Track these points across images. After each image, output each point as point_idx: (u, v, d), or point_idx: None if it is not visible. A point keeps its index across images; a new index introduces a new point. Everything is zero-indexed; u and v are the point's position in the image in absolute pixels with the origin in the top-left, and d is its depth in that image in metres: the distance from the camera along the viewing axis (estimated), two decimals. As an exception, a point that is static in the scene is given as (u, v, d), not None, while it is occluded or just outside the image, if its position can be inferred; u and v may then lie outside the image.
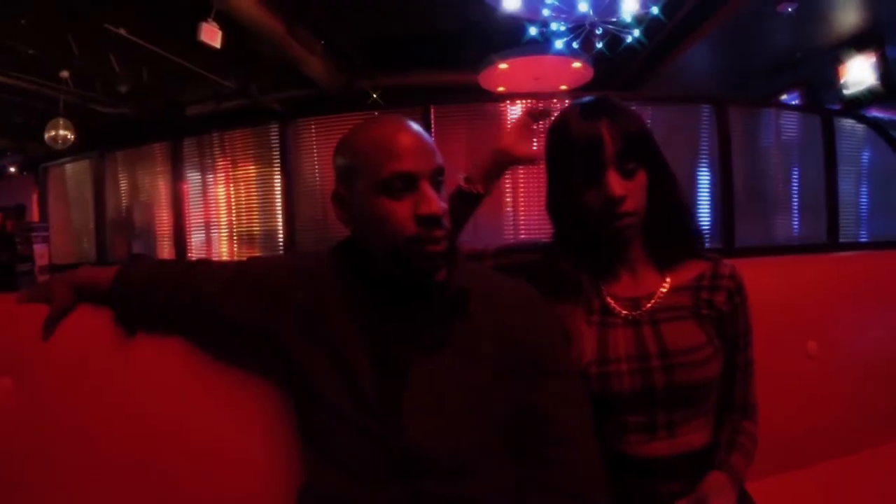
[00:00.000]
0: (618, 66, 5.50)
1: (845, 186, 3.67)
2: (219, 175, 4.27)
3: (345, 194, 0.96)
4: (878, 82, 6.02)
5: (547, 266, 1.14)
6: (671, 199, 1.10)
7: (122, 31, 5.50)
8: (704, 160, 3.52)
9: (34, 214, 6.38)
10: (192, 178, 4.38)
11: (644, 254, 1.13)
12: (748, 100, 5.20)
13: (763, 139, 3.81)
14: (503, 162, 1.27)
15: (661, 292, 1.10)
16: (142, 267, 1.11)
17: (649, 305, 1.09)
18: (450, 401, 0.92)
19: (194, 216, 4.34)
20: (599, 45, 4.22)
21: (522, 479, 0.94)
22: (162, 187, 4.36)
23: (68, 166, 5.03)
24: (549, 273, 1.12)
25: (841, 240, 3.55)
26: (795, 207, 3.77)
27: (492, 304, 0.98)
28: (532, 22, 4.01)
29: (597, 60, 5.07)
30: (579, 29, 3.98)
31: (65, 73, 6.71)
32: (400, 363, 0.93)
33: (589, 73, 5.35)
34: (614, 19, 3.93)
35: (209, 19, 4.85)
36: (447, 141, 3.45)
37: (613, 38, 4.23)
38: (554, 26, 4.00)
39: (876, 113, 8.92)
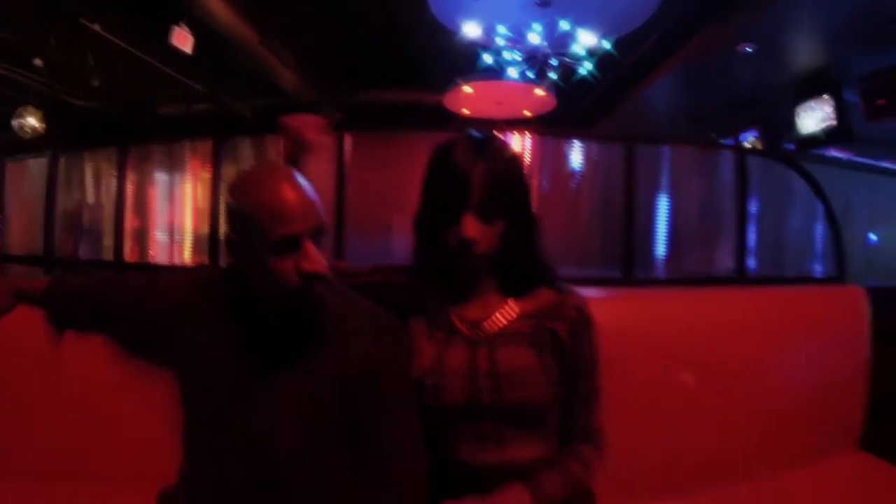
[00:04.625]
0: (577, 98, 5.66)
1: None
2: (182, 181, 4.34)
3: (236, 240, 1.09)
4: (834, 123, 6.23)
5: (405, 286, 1.26)
6: (527, 243, 1.21)
7: (97, 28, 5.55)
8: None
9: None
10: (146, 182, 4.45)
11: (495, 283, 1.23)
12: (663, 137, 5.37)
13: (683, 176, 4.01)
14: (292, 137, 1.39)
15: (504, 318, 1.21)
16: (70, 278, 1.34)
17: (490, 329, 1.21)
18: (294, 405, 1.09)
19: (155, 220, 4.40)
20: (553, 76, 4.37)
21: (354, 481, 1.08)
22: (117, 189, 4.42)
23: (29, 162, 5.07)
24: (406, 293, 1.24)
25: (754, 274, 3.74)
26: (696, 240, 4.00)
27: (345, 329, 1.13)
28: (487, 49, 4.16)
29: (557, 91, 5.21)
30: (533, 59, 4.13)
31: (38, 61, 6.72)
32: (258, 370, 1.11)
33: (552, 102, 5.49)
34: (567, 52, 4.08)
35: (181, 24, 4.92)
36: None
37: (568, 70, 4.38)
38: (508, 55, 4.14)
39: (836, 153, 9.26)
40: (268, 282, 1.05)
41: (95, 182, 4.59)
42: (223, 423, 1.10)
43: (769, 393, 1.75)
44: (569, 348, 1.20)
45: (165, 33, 4.90)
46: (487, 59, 4.28)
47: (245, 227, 1.04)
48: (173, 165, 4.28)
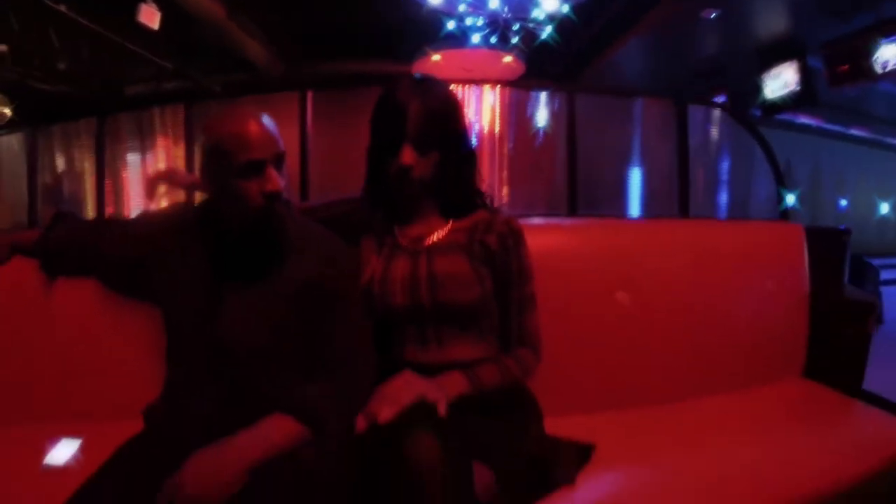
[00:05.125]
0: (544, 65, 5.74)
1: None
2: (156, 151, 4.40)
3: (208, 170, 1.24)
4: (798, 88, 6.33)
5: (356, 213, 1.43)
6: (462, 172, 1.36)
7: (62, 7, 5.49)
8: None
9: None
10: (128, 154, 4.50)
11: (435, 207, 1.38)
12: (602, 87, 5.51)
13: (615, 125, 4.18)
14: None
15: (441, 233, 1.37)
16: (59, 230, 1.48)
17: (429, 242, 1.36)
18: (256, 314, 1.25)
19: (132, 191, 4.47)
20: (515, 41, 4.43)
21: (308, 377, 1.23)
22: (92, 162, 4.48)
23: (3, 139, 5.14)
24: (357, 218, 1.42)
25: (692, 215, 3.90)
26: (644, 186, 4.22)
27: (302, 249, 1.28)
28: (450, 16, 4.21)
29: (530, 52, 5.29)
30: (495, 24, 4.19)
31: (3, 47, 6.64)
32: (226, 285, 1.26)
33: (520, 69, 5.55)
34: (528, 17, 4.14)
35: (148, 1, 4.90)
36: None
37: (531, 36, 4.45)
38: (470, 21, 4.20)
39: (806, 120, 9.40)
40: (235, 203, 1.20)
41: (70, 155, 4.66)
42: (196, 333, 1.25)
43: (712, 319, 1.86)
44: (499, 258, 1.34)
45: (132, 11, 4.87)
46: (451, 25, 4.33)
47: (216, 158, 1.19)
48: (145, 136, 4.35)
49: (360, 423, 1.08)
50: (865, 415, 1.68)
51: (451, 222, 1.37)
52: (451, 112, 1.32)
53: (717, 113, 4.98)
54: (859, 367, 1.82)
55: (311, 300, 1.24)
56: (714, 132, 4.95)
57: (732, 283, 1.90)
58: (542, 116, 4.17)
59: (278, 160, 1.21)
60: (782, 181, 3.23)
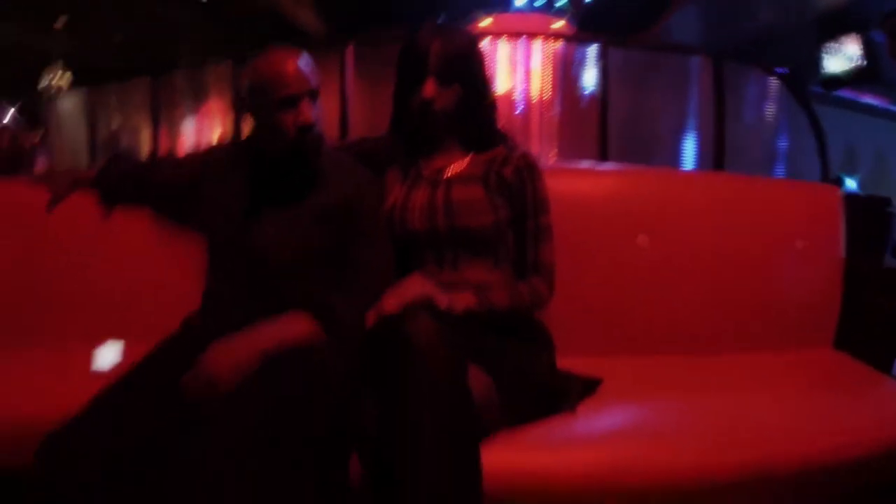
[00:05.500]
0: (600, 26, 5.61)
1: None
2: (208, 109, 4.52)
3: (250, 106, 1.41)
4: (861, 63, 6.07)
5: (384, 148, 1.56)
6: (481, 107, 1.47)
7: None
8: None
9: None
10: (182, 112, 4.66)
11: (456, 142, 1.49)
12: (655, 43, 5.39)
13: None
14: None
15: (461, 166, 1.47)
16: (116, 166, 1.69)
17: (448, 173, 1.46)
18: (288, 231, 1.39)
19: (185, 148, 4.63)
20: (563, 2, 4.36)
21: (333, 289, 1.35)
22: (147, 119, 4.67)
23: (63, 100, 5.41)
24: (384, 153, 1.55)
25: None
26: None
27: (331, 176, 1.43)
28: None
29: (580, 19, 5.21)
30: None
31: (59, 24, 6.84)
32: (263, 207, 1.41)
33: (571, 32, 5.46)
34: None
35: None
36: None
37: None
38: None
39: (868, 99, 9.01)
40: (272, 134, 1.36)
41: (126, 113, 4.87)
42: (234, 249, 1.42)
43: (739, 276, 1.78)
44: (515, 189, 1.42)
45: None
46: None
47: (256, 94, 1.35)
48: (197, 94, 4.50)
49: (370, 318, 1.15)
50: (894, 390, 1.56)
51: (471, 156, 1.47)
52: (470, 50, 1.45)
53: (774, 85, 4.83)
54: (893, 342, 1.72)
55: (338, 221, 1.38)
56: (771, 106, 4.82)
57: (763, 241, 1.82)
58: (591, 74, 4.13)
59: (311, 96, 1.35)
60: (826, 158, 3.14)
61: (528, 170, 1.44)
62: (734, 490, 1.19)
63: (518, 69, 4.46)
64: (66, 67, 6.98)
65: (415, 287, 1.24)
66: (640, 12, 5.81)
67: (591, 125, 4.18)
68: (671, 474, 1.19)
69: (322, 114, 1.40)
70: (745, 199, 1.88)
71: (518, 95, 4.50)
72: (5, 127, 3.98)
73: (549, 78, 4.52)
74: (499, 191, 1.41)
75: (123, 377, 1.23)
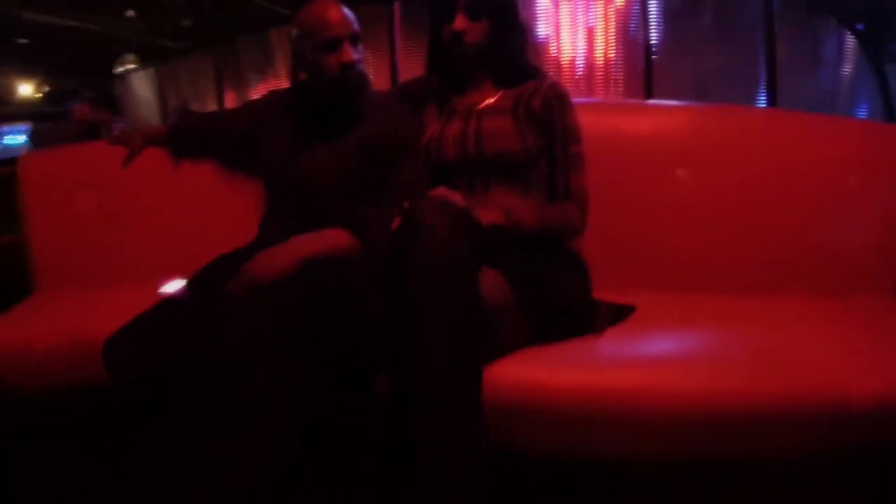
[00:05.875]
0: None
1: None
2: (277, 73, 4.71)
3: (299, 51, 1.54)
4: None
5: (423, 87, 1.64)
6: (511, 41, 1.52)
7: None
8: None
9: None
10: (248, 79, 4.87)
11: (487, 76, 1.54)
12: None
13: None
14: None
15: (492, 100, 1.52)
16: (185, 120, 1.98)
17: (480, 107, 1.51)
18: (332, 161, 1.53)
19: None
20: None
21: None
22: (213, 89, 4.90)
23: (138, 73, 5.75)
24: (423, 91, 1.63)
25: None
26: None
27: (373, 112, 1.56)
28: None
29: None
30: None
31: (130, 13, 7.13)
32: (310, 141, 1.56)
33: None
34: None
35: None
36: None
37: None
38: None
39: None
40: (318, 74, 1.51)
41: (194, 82, 5.12)
42: (284, 181, 1.57)
43: (793, 216, 1.65)
44: (543, 118, 1.46)
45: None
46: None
47: (303, 39, 1.50)
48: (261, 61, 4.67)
49: (395, 221, 1.14)
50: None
51: (502, 91, 1.52)
52: None
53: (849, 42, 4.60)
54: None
55: (377, 152, 1.50)
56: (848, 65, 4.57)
57: (818, 180, 1.67)
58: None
59: (353, 38, 1.48)
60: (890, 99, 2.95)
61: (557, 99, 1.47)
62: (768, 422, 1.08)
63: (579, 28, 4.39)
64: (137, 53, 7.29)
65: (437, 191, 1.28)
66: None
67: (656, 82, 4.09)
68: (705, 399, 1.08)
69: (368, 62, 1.56)
70: (804, 137, 1.74)
71: (580, 54, 4.44)
72: (85, 104, 4.30)
73: (613, 36, 4.43)
74: (528, 121, 1.45)
75: (188, 282, 1.39)
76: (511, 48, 1.52)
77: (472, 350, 1.04)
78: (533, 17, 4.34)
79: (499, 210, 1.32)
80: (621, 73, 4.38)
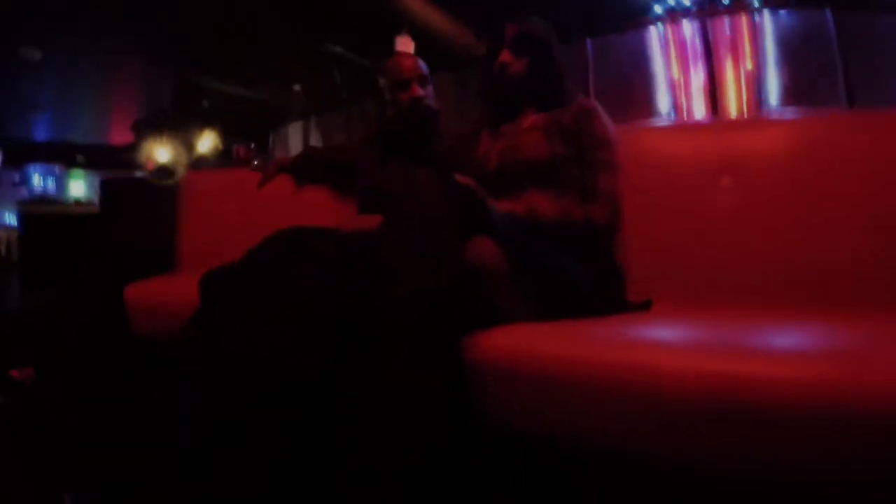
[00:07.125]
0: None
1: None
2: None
3: (382, 91, 2.07)
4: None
5: (476, 121, 1.94)
6: (548, 76, 1.75)
7: (339, 49, 6.66)
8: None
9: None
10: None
11: (529, 103, 1.76)
12: None
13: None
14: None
15: (530, 122, 1.73)
16: (308, 154, 2.59)
17: (521, 127, 1.73)
18: (402, 173, 1.95)
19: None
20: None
21: None
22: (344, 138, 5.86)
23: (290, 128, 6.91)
24: (478, 124, 1.91)
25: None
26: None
27: (438, 136, 2.02)
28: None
29: None
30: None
31: (297, 87, 8.20)
32: (389, 158, 2.04)
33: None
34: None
35: (403, 32, 5.83)
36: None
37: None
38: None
39: None
40: (393, 108, 2.01)
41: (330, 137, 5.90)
42: (369, 187, 2.04)
43: (870, 225, 1.54)
44: (573, 131, 1.63)
45: (391, 43, 5.79)
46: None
47: (383, 83, 2.02)
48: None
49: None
50: None
51: (543, 115, 1.71)
52: (539, 33, 1.75)
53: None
54: None
55: (441, 165, 1.85)
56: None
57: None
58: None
59: (421, 80, 2.00)
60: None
61: (585, 112, 1.65)
62: (767, 415, 0.90)
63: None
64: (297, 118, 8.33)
65: (472, 181, 1.44)
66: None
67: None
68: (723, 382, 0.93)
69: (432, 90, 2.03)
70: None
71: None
72: (249, 152, 5.57)
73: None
74: (557, 134, 1.63)
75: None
76: (548, 79, 1.74)
77: (441, 307, 1.14)
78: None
79: (520, 204, 1.59)
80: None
